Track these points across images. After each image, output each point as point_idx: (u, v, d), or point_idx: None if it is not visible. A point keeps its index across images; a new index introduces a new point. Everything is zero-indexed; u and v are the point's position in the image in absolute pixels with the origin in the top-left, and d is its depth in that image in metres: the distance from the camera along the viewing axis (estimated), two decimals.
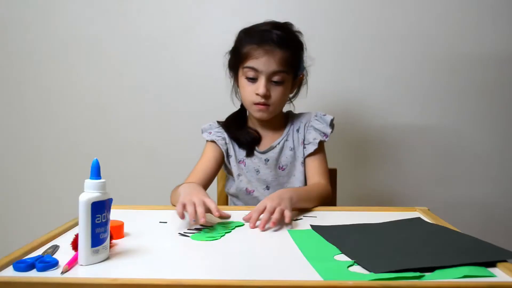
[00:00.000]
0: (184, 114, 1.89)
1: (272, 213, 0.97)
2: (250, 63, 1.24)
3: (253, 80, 1.25)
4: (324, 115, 1.36)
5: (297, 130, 1.37)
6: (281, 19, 1.83)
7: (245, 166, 1.35)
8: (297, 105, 1.46)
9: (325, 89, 1.87)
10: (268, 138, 1.37)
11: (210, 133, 1.36)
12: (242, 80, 1.28)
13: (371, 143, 1.90)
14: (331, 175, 1.51)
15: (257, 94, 1.24)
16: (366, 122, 1.89)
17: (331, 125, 1.35)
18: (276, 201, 1.01)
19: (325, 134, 1.33)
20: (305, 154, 1.33)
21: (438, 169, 1.90)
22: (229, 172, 1.39)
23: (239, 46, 1.28)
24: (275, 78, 1.24)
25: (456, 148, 1.89)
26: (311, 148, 1.32)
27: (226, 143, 1.35)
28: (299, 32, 1.34)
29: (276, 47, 1.23)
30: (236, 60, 1.30)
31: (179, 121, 1.90)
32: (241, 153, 1.36)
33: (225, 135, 1.36)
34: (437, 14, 1.85)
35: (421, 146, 1.89)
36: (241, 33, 1.31)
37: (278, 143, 1.36)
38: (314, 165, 1.32)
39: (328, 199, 1.25)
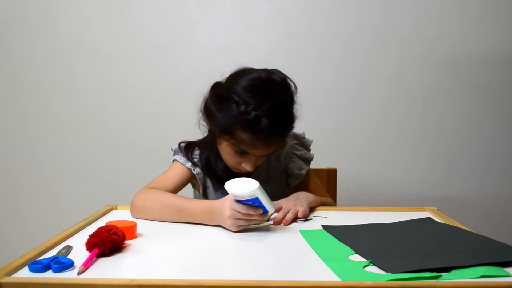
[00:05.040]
0: (184, 114, 1.88)
1: (286, 214, 1.00)
2: (244, 147, 1.05)
3: (241, 153, 1.08)
4: (303, 138, 1.29)
5: (277, 158, 1.25)
6: (281, 19, 1.86)
7: (222, 193, 1.17)
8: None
9: (325, 89, 1.88)
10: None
11: (190, 161, 1.20)
12: (227, 147, 1.09)
13: (371, 144, 1.90)
14: (331, 175, 1.51)
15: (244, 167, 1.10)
16: (366, 122, 1.90)
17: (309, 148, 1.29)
18: (293, 202, 1.03)
19: (308, 161, 1.27)
20: (292, 186, 1.25)
21: (439, 169, 1.91)
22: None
23: (229, 122, 1.04)
24: (266, 155, 1.11)
25: (457, 148, 1.90)
26: (298, 180, 1.25)
27: (203, 176, 1.21)
28: (294, 87, 1.10)
29: (276, 136, 1.06)
30: (223, 131, 1.07)
31: (179, 122, 1.89)
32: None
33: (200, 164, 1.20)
34: (437, 14, 1.86)
35: (421, 146, 1.90)
36: (230, 104, 1.04)
37: (258, 174, 1.21)
38: (311, 183, 1.28)
39: None
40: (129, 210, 1.08)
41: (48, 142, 1.92)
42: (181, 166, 1.20)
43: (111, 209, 1.13)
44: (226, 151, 1.11)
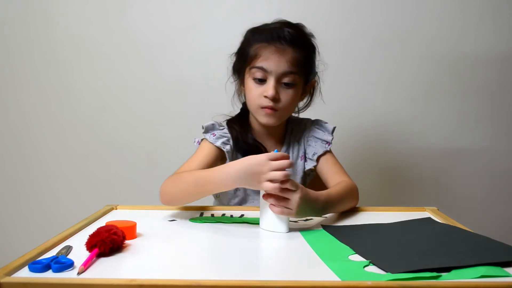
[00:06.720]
0: (184, 114, 1.89)
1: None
2: (259, 63, 1.13)
3: (261, 81, 1.14)
4: (326, 123, 1.29)
5: (298, 141, 1.28)
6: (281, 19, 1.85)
7: None
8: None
9: (325, 89, 1.87)
10: (272, 149, 1.26)
11: (222, 142, 1.21)
12: (249, 82, 1.17)
13: (371, 144, 1.90)
14: None
15: (266, 97, 1.14)
16: (366, 123, 1.89)
17: (333, 133, 1.27)
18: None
19: (326, 142, 1.24)
20: (306, 169, 1.25)
21: (439, 169, 1.90)
22: None
23: (247, 46, 1.19)
24: (286, 80, 1.14)
25: (456, 148, 1.90)
26: (310, 164, 1.24)
27: (232, 152, 1.22)
28: (312, 35, 1.27)
29: (287, 45, 1.14)
30: (243, 61, 1.20)
31: (179, 122, 1.89)
32: None
33: (231, 142, 1.23)
34: (437, 14, 1.85)
35: (421, 147, 1.90)
36: (248, 33, 1.22)
37: None
38: (327, 166, 1.23)
39: (357, 195, 1.15)
40: (128, 210, 1.10)
41: (48, 142, 1.92)
42: (209, 147, 1.20)
43: (111, 209, 1.13)
44: (249, 88, 1.18)
